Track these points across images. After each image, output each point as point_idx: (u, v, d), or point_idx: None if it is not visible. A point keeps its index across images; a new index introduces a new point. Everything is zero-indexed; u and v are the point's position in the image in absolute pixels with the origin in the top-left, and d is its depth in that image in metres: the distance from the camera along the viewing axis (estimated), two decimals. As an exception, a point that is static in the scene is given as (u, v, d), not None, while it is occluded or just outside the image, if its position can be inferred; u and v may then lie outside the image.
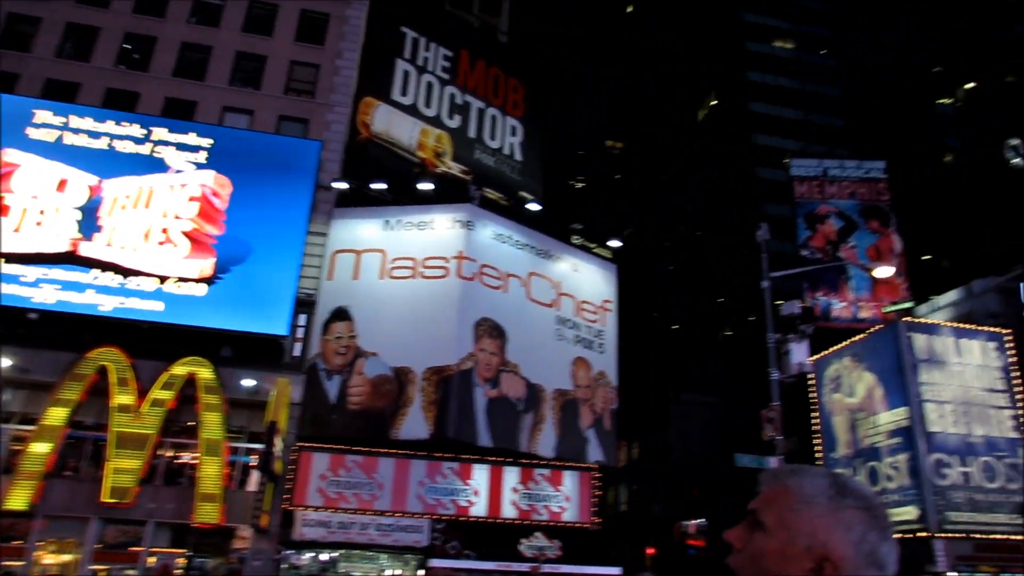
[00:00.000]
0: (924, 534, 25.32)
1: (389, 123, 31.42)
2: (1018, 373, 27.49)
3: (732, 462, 16.35)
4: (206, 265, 25.84)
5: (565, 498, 27.13)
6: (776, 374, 11.60)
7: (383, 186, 28.27)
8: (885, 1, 61.72)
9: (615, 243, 32.99)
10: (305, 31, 31.34)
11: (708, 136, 63.11)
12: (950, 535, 25.30)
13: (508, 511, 26.19)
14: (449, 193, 29.64)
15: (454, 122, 33.38)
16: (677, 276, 65.58)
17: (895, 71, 59.44)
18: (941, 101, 59.96)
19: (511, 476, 26.69)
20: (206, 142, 27.29)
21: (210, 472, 23.44)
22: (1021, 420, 27.08)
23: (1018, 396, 27.35)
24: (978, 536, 25.63)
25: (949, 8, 61.24)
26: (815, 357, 30.87)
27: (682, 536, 40.07)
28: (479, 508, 25.85)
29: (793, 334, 10.93)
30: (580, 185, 77.91)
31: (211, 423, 23.89)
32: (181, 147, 27.06)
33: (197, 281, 25.57)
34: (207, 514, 23.06)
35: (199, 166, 26.95)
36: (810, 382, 31.27)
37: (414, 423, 25.45)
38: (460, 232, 27.93)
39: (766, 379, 13.28)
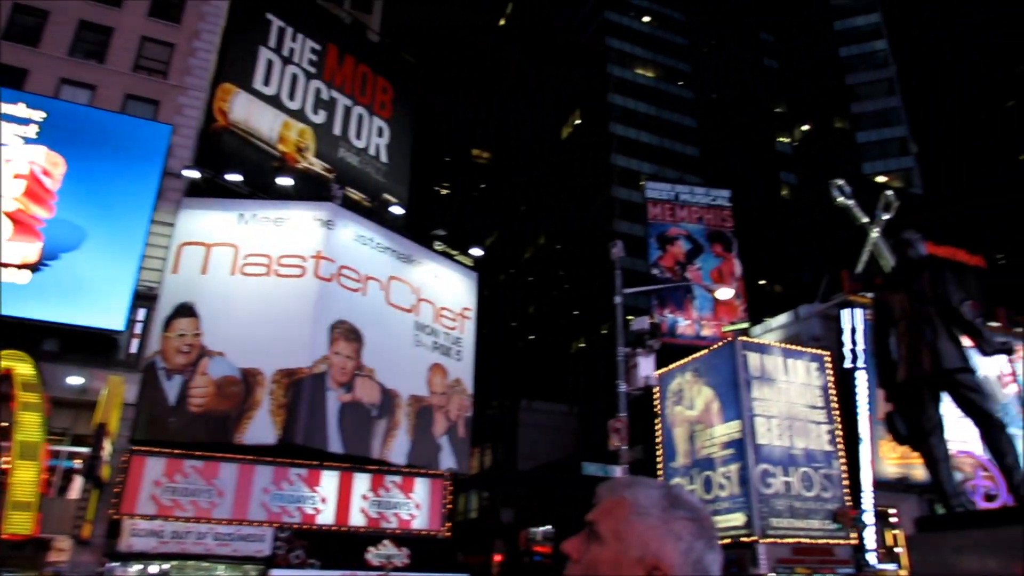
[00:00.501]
0: (749, 539, 27.26)
1: (249, 113, 29.98)
2: (835, 392, 30.29)
3: (580, 470, 16.84)
4: (31, 250, 23.46)
5: (416, 505, 26.87)
6: (624, 386, 12.08)
7: (239, 178, 26.90)
8: (738, 42, 66.55)
9: (477, 251, 33.21)
10: (160, 6, 29.33)
11: (570, 153, 65.16)
12: (772, 539, 27.38)
13: (357, 519, 25.57)
14: (310, 190, 28.70)
15: (319, 117, 32.39)
16: (535, 287, 67.08)
17: (743, 108, 64.15)
18: (780, 139, 65.33)
19: (361, 483, 26.10)
20: (37, 115, 24.80)
21: (24, 478, 21.16)
22: (836, 435, 29.83)
23: (834, 413, 30.12)
24: (795, 540, 27.93)
25: (793, 56, 66.97)
26: (661, 371, 32.57)
27: (528, 543, 40.78)
28: (326, 516, 25.07)
29: (642, 348, 11.44)
30: (445, 192, 77.84)
31: (28, 424, 21.60)
32: (7, 118, 24.46)
33: (19, 267, 23.16)
34: (19, 524, 20.81)
35: (28, 141, 24.47)
36: (655, 395, 32.89)
37: (260, 427, 24.30)
38: (320, 231, 27.09)
39: (615, 390, 13.85)
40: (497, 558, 42.51)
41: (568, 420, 49.15)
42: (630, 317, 17.66)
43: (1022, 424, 29.86)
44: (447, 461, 28.89)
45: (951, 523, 4.84)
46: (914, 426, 5.22)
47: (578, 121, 65.76)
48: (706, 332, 38.61)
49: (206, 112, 28.82)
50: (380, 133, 35.04)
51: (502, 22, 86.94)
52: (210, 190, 26.92)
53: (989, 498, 27.56)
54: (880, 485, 29.23)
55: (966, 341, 5.11)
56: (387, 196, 33.12)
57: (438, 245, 32.22)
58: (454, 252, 32.56)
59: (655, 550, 1.30)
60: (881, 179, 54.75)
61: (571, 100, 67.10)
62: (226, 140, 29.13)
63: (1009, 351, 5.19)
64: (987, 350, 5.04)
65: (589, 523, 1.37)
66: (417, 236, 31.23)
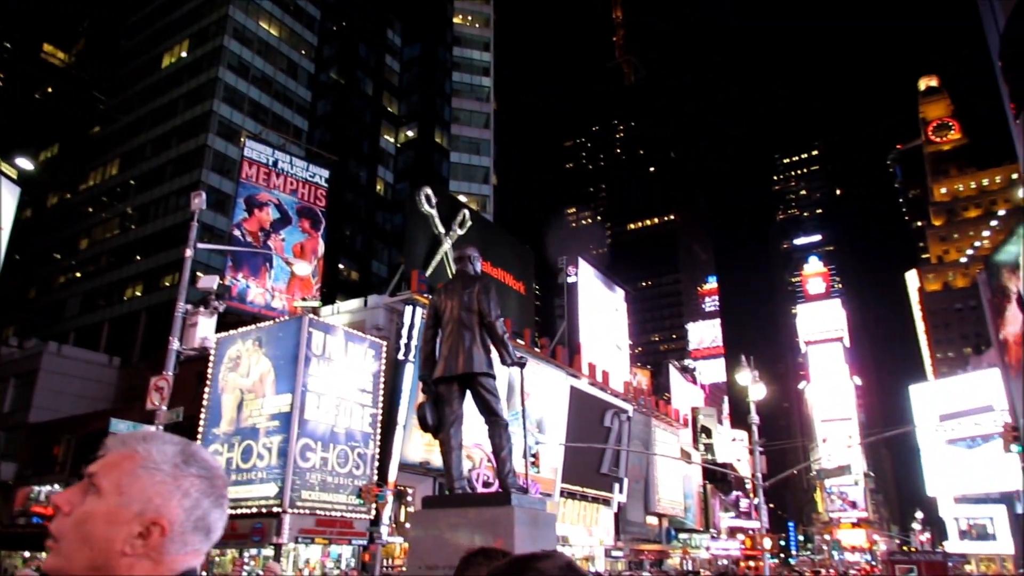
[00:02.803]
0: (277, 509, 27.63)
1: None
2: (385, 379, 32.57)
3: (108, 427, 15.19)
4: None
5: None
6: (177, 344, 11.28)
7: None
8: (366, 33, 67.70)
9: (26, 163, 27.83)
10: None
11: (169, 85, 58.76)
12: (299, 511, 28.16)
13: None
14: None
15: None
16: (95, 220, 58.66)
17: (358, 97, 65.37)
18: (387, 136, 68.27)
19: None
20: None
21: None
22: (377, 418, 32.06)
23: (381, 398, 32.35)
24: (321, 513, 29.18)
25: (412, 64, 70.55)
26: (221, 335, 31.20)
27: (28, 502, 35.29)
28: None
29: (205, 308, 10.85)
30: (-3, 82, 64.05)
31: None
32: None
33: None
34: None
35: None
36: (211, 358, 31.39)
37: None
38: None
39: (167, 347, 12.81)
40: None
41: (107, 372, 43.83)
42: (200, 274, 16.60)
43: (523, 429, 35.85)
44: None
45: (450, 502, 5.64)
46: (440, 418, 5.96)
47: (184, 54, 59.63)
48: (277, 304, 38.22)
49: None
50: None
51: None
52: None
53: (487, 485, 32.33)
54: (404, 467, 32.27)
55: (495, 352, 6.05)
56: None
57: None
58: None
59: (158, 506, 1.26)
60: (463, 198, 60.88)
61: (181, 27, 60.60)
62: None
63: (523, 364, 6.26)
64: (507, 362, 6.03)
65: (88, 475, 1.29)
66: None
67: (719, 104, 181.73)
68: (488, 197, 68.64)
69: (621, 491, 51.46)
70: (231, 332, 31.85)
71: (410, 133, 68.68)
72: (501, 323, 6.01)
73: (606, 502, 50.26)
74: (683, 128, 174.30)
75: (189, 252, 11.87)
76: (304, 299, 38.33)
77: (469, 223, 40.65)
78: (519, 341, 42.65)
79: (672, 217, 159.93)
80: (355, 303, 37.72)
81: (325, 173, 43.49)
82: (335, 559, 31.41)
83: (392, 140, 68.74)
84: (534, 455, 34.46)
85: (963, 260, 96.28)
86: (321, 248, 41.79)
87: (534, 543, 4.97)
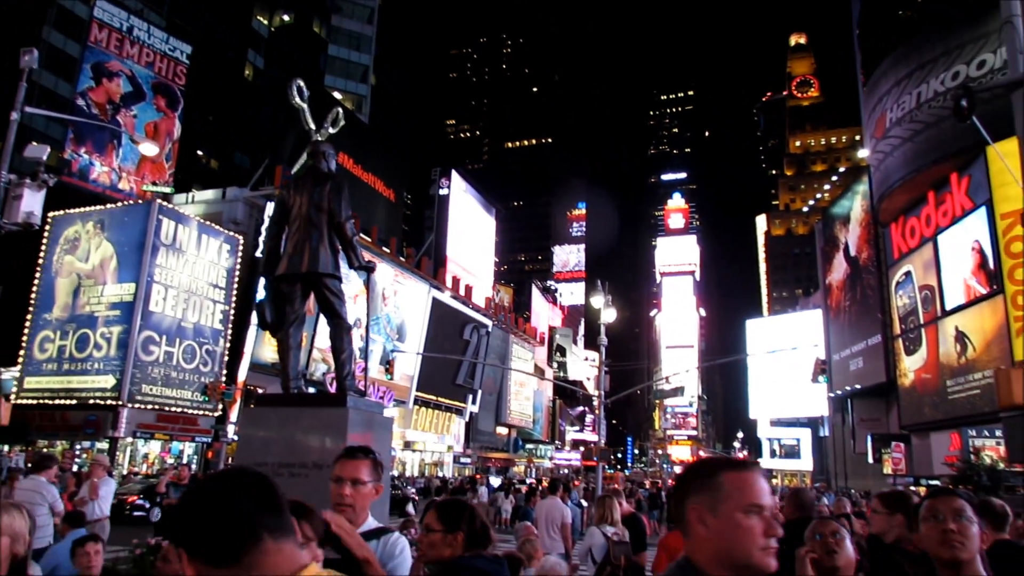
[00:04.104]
0: (115, 402, 26.45)
1: None
2: (240, 276, 31.37)
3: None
4: None
5: None
6: None
7: None
8: None
9: None
10: None
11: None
12: (139, 405, 27.11)
13: None
14: None
15: None
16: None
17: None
18: (260, 18, 63.32)
19: None
20: None
21: None
22: (229, 315, 30.99)
23: (234, 295, 31.20)
24: (163, 408, 28.24)
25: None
26: (57, 213, 28.70)
27: None
28: None
29: (33, 180, 9.89)
30: None
31: None
32: None
33: None
34: None
35: None
36: (45, 238, 28.95)
37: None
38: None
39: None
40: None
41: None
42: (35, 143, 14.91)
43: (366, 334, 35.90)
44: None
45: (283, 401, 5.63)
46: (280, 316, 5.86)
47: None
48: (124, 186, 35.43)
49: None
50: None
51: None
52: None
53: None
54: (257, 367, 31.62)
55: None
56: None
57: None
58: None
59: None
60: (338, 96, 58.10)
61: None
62: None
63: (372, 269, 6.22)
64: (355, 265, 5.96)
65: None
66: None
67: (607, 35, 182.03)
68: (365, 98, 65.89)
69: (474, 402, 53.17)
70: (70, 211, 29.37)
71: (286, 18, 64.06)
72: (351, 225, 5.90)
73: (459, 411, 51.84)
74: (569, 54, 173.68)
75: (15, 115, 10.70)
76: (155, 183, 35.75)
77: (342, 123, 38.81)
78: (384, 249, 42.18)
79: (549, 140, 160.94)
80: (212, 194, 35.64)
81: (187, 49, 40.02)
82: (176, 455, 30.69)
83: (266, 23, 63.87)
84: (389, 362, 34.73)
85: (805, 210, 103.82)
86: (177, 130, 38.83)
87: (368, 445, 5.10)
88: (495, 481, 34.75)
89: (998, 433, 25.24)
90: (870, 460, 39.23)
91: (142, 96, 37.11)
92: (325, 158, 6.07)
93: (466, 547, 2.43)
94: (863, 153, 47.07)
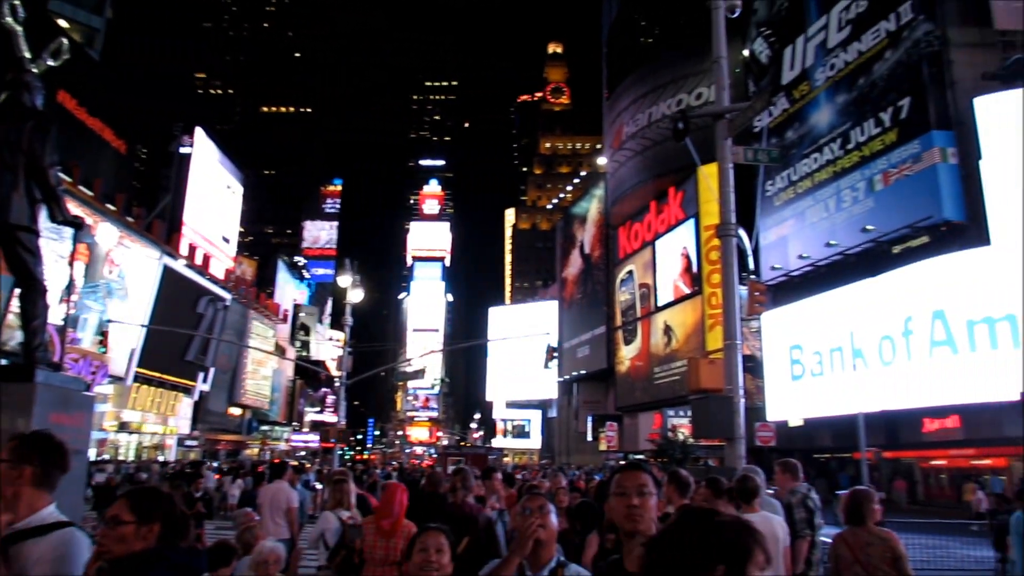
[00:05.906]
0: None
1: None
2: None
3: None
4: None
5: None
6: None
7: None
8: None
9: None
10: None
11: None
12: None
13: None
14: None
15: None
16: None
17: None
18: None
19: None
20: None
21: None
22: None
23: None
24: None
25: None
26: None
27: None
28: None
29: None
30: None
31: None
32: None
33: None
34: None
35: None
36: None
37: None
38: None
39: None
40: None
41: None
42: None
43: (78, 300, 32.15)
44: None
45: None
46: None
47: None
48: None
49: None
50: None
51: None
52: None
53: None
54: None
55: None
56: None
57: None
58: None
59: None
60: (64, 24, 50.52)
61: None
62: None
63: (79, 226, 5.46)
64: (58, 219, 5.18)
65: None
66: None
67: (377, 12, 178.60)
68: (99, 32, 57.76)
69: (206, 380, 49.58)
70: None
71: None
72: (56, 172, 5.12)
73: (187, 390, 48.01)
74: (337, 23, 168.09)
75: None
76: None
77: (67, 56, 33.84)
78: (109, 206, 37.64)
79: (308, 110, 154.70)
80: None
81: None
82: None
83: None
84: (103, 332, 31.00)
85: (549, 207, 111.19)
86: None
87: (60, 426, 4.49)
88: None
89: (690, 413, 29.08)
90: (589, 438, 43.23)
91: None
92: (30, 90, 5.22)
93: (161, 540, 2.24)
94: (601, 160, 51.47)
